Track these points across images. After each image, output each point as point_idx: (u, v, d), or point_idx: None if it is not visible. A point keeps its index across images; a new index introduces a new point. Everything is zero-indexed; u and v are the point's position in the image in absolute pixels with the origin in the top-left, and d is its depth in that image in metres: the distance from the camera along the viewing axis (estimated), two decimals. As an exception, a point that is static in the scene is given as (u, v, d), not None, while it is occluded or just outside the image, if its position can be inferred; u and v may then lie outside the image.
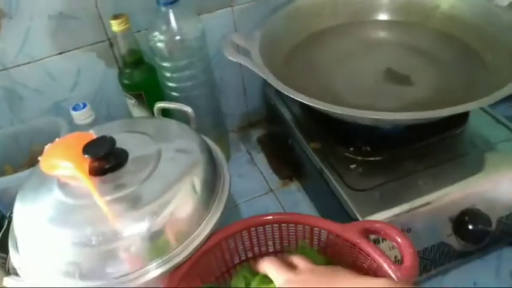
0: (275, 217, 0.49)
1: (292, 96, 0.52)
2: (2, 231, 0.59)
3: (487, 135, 0.61)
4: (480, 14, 0.66)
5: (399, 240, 0.43)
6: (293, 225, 0.49)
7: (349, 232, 0.46)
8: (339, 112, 0.51)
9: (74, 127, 0.66)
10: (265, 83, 0.68)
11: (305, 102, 0.51)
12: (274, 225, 0.49)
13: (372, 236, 0.48)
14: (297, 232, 0.49)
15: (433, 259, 0.54)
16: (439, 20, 0.69)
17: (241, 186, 0.72)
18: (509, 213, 0.55)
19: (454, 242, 0.54)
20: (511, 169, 0.55)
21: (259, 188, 0.74)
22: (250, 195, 0.72)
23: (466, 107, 0.48)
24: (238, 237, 0.49)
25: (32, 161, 0.69)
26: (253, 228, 0.50)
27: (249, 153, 0.81)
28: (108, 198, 0.46)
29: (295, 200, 0.71)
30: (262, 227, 0.50)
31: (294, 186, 0.73)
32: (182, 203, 0.46)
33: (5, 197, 0.61)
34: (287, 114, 0.70)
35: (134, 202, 0.46)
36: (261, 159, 0.80)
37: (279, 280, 0.42)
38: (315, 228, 0.48)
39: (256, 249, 0.51)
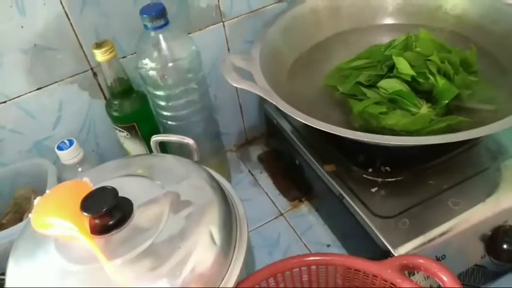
0: (304, 259, 0.45)
1: (308, 124, 0.48)
2: (-8, 296, 0.53)
3: (508, 143, 0.57)
4: (486, 13, 0.63)
5: (444, 278, 0.40)
6: (324, 266, 0.45)
7: (386, 271, 0.42)
8: (363, 139, 0.47)
9: (60, 167, 0.60)
10: (263, 99, 0.64)
11: (324, 129, 0.47)
12: (302, 268, 0.45)
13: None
14: (328, 273, 0.45)
15: (468, 284, 0.51)
16: (443, 21, 0.66)
17: (248, 212, 0.67)
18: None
19: (488, 263, 0.51)
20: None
21: (268, 213, 0.69)
22: (259, 222, 0.68)
23: (499, 125, 0.45)
24: (264, 286, 0.45)
25: (16, 207, 0.63)
26: (279, 274, 0.45)
27: (252, 174, 0.76)
28: (118, 261, 0.40)
29: (308, 224, 0.66)
30: (289, 272, 0.45)
31: (305, 207, 0.69)
32: (202, 256, 0.41)
33: (-8, 256, 0.55)
34: (292, 133, 0.65)
35: (148, 262, 0.40)
36: (264, 179, 0.75)
37: None
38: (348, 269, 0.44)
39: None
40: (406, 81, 0.53)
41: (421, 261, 0.41)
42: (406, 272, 0.43)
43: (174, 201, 0.45)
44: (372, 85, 0.56)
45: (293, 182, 0.72)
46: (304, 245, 0.64)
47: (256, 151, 0.80)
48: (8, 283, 0.44)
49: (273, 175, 0.75)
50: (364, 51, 0.61)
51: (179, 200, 0.45)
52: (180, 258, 0.40)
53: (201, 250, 0.41)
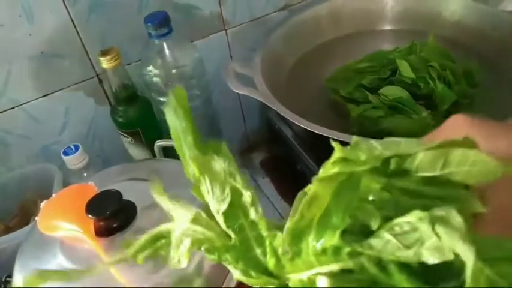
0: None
1: (309, 129, 0.49)
2: (-2, 298, 0.54)
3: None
4: (485, 19, 0.63)
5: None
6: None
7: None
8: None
9: (66, 171, 0.61)
10: (266, 104, 0.65)
11: (325, 135, 0.48)
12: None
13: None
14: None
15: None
16: (443, 28, 0.67)
17: (250, 217, 0.68)
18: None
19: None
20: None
21: (270, 218, 0.70)
22: (262, 227, 0.68)
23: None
24: None
25: (23, 211, 0.64)
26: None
27: (254, 179, 0.77)
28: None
29: (310, 228, 0.67)
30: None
31: (307, 212, 0.70)
32: (204, 257, 0.42)
33: (-1, 258, 0.56)
34: (294, 139, 0.66)
35: (152, 264, 0.41)
36: (267, 184, 0.76)
37: None
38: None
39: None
40: (407, 85, 0.54)
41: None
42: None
43: (176, 205, 0.46)
44: (374, 89, 0.56)
45: (296, 187, 0.72)
46: (306, 249, 0.64)
47: (258, 157, 0.81)
48: (14, 285, 0.45)
49: (276, 181, 0.76)
50: (369, 54, 0.62)
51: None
52: (182, 260, 0.41)
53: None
